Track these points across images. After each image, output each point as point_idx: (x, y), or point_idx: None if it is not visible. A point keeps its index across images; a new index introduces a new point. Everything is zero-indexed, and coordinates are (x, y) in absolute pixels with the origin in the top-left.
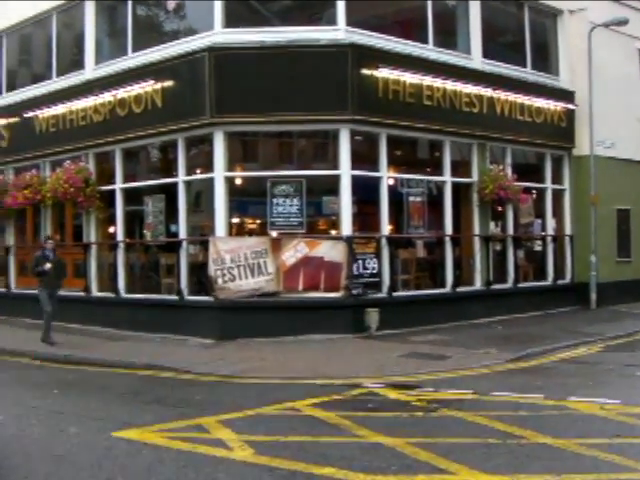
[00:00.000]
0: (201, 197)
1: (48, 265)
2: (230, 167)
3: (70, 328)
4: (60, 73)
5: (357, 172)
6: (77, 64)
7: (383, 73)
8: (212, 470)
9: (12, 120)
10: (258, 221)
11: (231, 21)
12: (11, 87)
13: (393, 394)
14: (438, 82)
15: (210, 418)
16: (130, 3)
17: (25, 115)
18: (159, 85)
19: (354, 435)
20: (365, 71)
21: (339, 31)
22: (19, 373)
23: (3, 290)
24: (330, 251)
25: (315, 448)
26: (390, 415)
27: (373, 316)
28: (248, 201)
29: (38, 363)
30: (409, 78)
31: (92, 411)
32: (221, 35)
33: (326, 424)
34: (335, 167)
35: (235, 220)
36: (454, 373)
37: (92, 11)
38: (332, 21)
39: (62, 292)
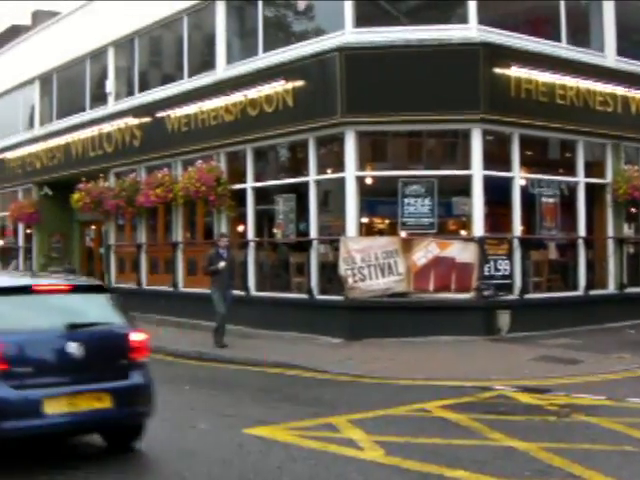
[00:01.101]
0: (329, 196)
1: (222, 264)
2: (360, 166)
3: (200, 325)
4: (191, 73)
5: (489, 172)
6: (208, 64)
7: (515, 72)
8: (343, 470)
9: (144, 120)
10: (387, 221)
11: (361, 21)
12: (143, 87)
13: (524, 398)
14: (571, 81)
15: (340, 417)
16: (260, 4)
17: (157, 115)
18: (290, 85)
19: (486, 438)
20: (497, 70)
21: (471, 30)
22: (152, 369)
23: (135, 287)
24: (461, 252)
25: (446, 450)
26: (522, 419)
27: (504, 318)
28: (377, 201)
29: (170, 359)
30: (542, 77)
31: (223, 408)
32: (351, 35)
33: (457, 426)
34: (465, 167)
35: (364, 220)
36: (586, 378)
37: (223, 12)
38: (463, 20)
39: (192, 289)
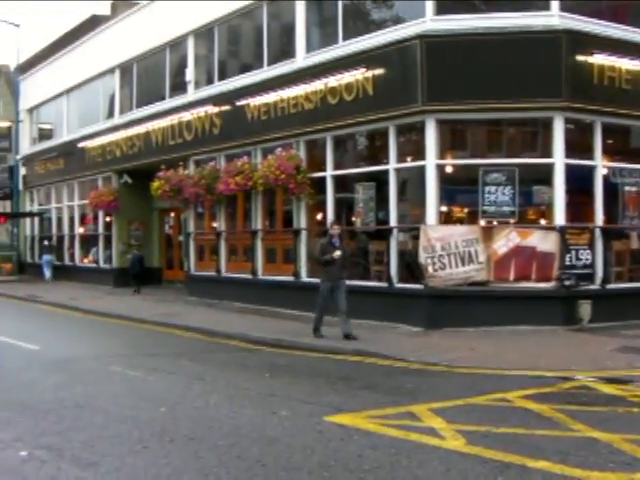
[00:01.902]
0: (406, 185)
1: (337, 253)
2: (440, 155)
3: (279, 313)
4: (271, 62)
5: (571, 161)
6: (287, 53)
7: (598, 59)
8: (424, 458)
9: (224, 108)
10: (466, 209)
11: (441, 8)
12: (222, 76)
13: (606, 388)
14: None
15: (421, 406)
16: None
17: (236, 103)
18: (370, 73)
19: (568, 429)
20: (579, 57)
21: (553, 17)
22: (230, 356)
23: (214, 274)
24: (542, 241)
25: (528, 440)
26: (605, 410)
27: (585, 308)
28: (456, 189)
29: (249, 347)
30: (625, 64)
31: (303, 395)
32: (432, 22)
33: (539, 416)
34: (545, 155)
35: (443, 208)
36: None
37: (302, 1)
38: (545, 7)
39: (271, 277)
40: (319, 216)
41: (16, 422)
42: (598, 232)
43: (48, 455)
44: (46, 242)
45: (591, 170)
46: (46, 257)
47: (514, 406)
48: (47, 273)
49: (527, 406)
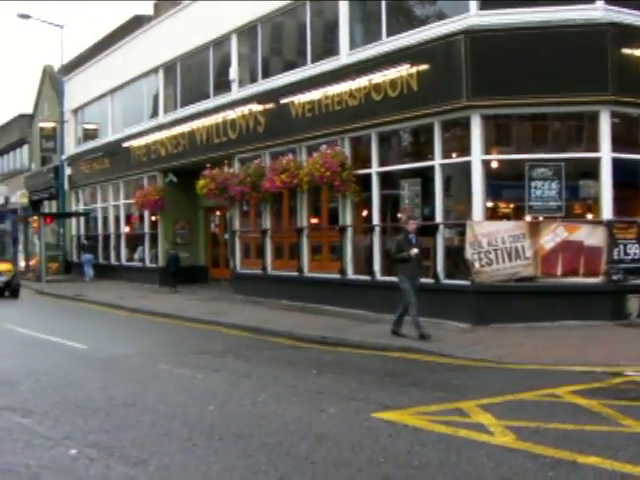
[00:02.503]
0: (451, 181)
1: (415, 250)
2: (485, 150)
3: (325, 310)
4: (314, 59)
5: (618, 155)
6: (331, 50)
7: None
8: (474, 454)
9: (268, 106)
10: (511, 205)
11: (485, 3)
12: (266, 74)
13: None
14: None
15: (469, 402)
16: None
17: (281, 101)
18: (414, 69)
19: (618, 424)
20: (625, 50)
21: (597, 10)
22: (277, 353)
23: (260, 272)
24: (590, 235)
25: (578, 436)
26: None
27: (634, 303)
28: (501, 185)
29: (296, 344)
30: None
31: (350, 392)
32: (476, 17)
33: (588, 412)
34: (592, 149)
35: (489, 204)
36: None
37: None
38: (590, 0)
39: (317, 274)
40: (364, 212)
41: (65, 420)
42: None
43: (97, 453)
44: (85, 241)
45: (638, 164)
46: (87, 256)
47: (563, 402)
48: (88, 272)
49: (576, 401)
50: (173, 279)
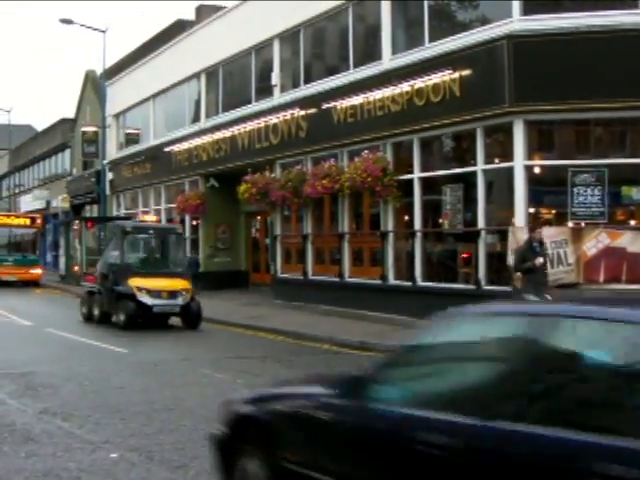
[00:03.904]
0: (493, 186)
1: (540, 260)
2: (528, 156)
3: (365, 315)
4: (356, 64)
5: None
6: (373, 55)
7: None
8: None
9: (310, 111)
10: (553, 211)
11: (529, 8)
12: (308, 79)
13: None
14: None
15: None
16: None
17: (322, 106)
18: (457, 74)
19: None
20: None
21: None
22: (317, 358)
23: (300, 277)
24: (633, 242)
25: None
26: None
27: None
28: (543, 190)
29: (334, 349)
30: None
31: None
32: (519, 23)
33: None
34: (634, 155)
35: (531, 210)
36: None
37: (388, 2)
38: (634, 5)
39: (357, 279)
40: (405, 218)
41: (106, 424)
42: None
43: (138, 457)
44: None
45: None
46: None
47: None
48: None
49: None
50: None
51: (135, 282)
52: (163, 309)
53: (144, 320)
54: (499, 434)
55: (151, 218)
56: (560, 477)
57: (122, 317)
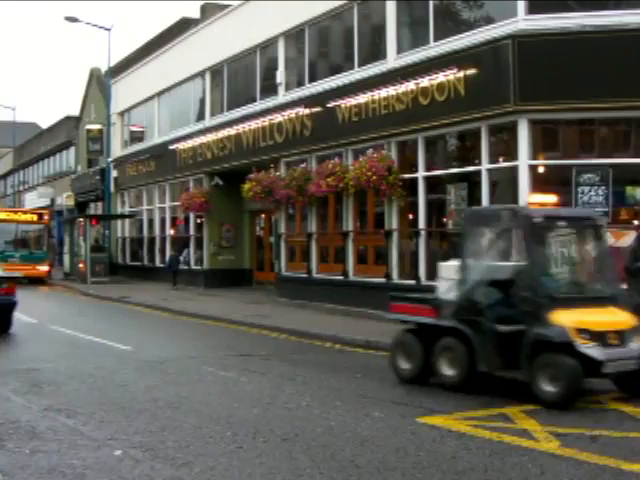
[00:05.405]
0: (497, 185)
1: None
2: (532, 155)
3: (370, 314)
4: (361, 63)
5: None
6: (378, 54)
7: None
8: (518, 460)
9: (315, 110)
10: None
11: (534, 8)
12: (313, 78)
13: None
14: None
15: (514, 408)
16: None
17: (327, 105)
18: (461, 73)
19: None
20: None
21: None
22: (321, 357)
23: (304, 275)
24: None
25: (623, 443)
26: None
27: None
28: (548, 190)
29: (339, 347)
30: None
31: (394, 396)
32: (524, 22)
33: (633, 418)
34: (638, 155)
35: None
36: None
37: (393, 1)
38: (639, 4)
39: (362, 278)
40: (409, 217)
41: (110, 421)
42: None
43: (142, 454)
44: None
45: None
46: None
47: (608, 408)
48: None
49: (621, 408)
50: (174, 278)
51: (567, 317)
52: (617, 367)
53: None
54: None
55: None
56: None
57: (551, 388)
